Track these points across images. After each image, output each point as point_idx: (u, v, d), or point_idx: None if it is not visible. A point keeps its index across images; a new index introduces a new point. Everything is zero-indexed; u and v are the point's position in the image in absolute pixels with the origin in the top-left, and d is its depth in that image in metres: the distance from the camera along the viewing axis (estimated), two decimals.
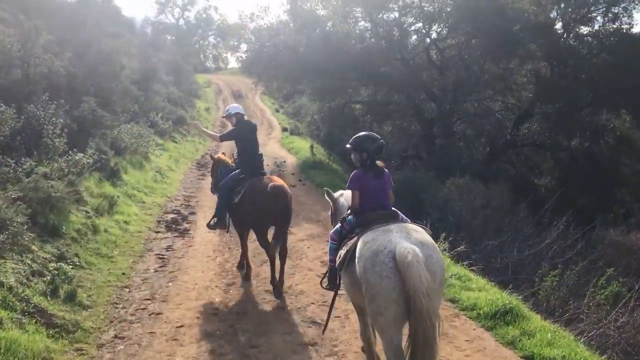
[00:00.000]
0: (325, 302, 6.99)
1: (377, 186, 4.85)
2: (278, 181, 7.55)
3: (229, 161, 8.59)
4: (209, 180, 13.20)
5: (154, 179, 15.37)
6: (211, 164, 9.20)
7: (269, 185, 7.29)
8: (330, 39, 20.18)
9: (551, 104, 19.88)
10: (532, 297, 8.77)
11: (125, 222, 10.95)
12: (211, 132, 10.01)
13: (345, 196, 5.55)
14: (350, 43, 20.42)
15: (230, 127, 8.98)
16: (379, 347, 5.01)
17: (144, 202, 13.02)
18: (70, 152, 11.05)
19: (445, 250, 9.46)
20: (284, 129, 30.00)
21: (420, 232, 4.34)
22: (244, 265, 8.36)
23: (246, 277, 8.19)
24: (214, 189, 8.74)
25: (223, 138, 8.49)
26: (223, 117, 9.49)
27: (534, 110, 21.47)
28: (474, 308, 7.03)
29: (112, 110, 16.53)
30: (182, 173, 18.17)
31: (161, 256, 9.36)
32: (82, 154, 10.90)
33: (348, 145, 5.03)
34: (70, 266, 7.74)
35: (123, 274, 8.29)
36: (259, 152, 8.21)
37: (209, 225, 8.37)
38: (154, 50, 32.94)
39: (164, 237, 10.68)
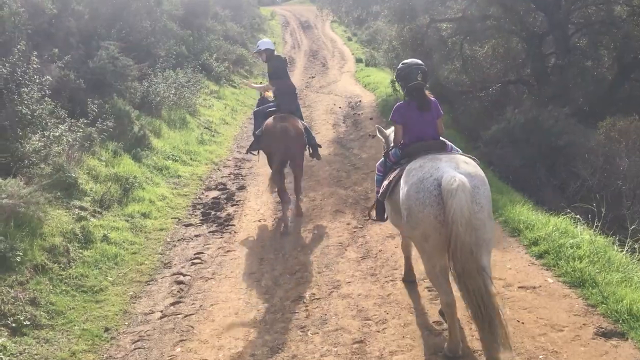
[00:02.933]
0: None
1: (422, 119, 4.54)
2: (290, 123, 7.49)
3: (269, 94, 8.48)
4: None
5: (200, 139, 12.03)
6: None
7: (278, 125, 7.40)
8: None
9: None
10: None
11: (143, 214, 7.70)
12: (261, 85, 9.51)
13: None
14: None
15: None
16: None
17: (179, 175, 9.72)
18: (67, 121, 7.83)
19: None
20: (358, 60, 25.73)
21: (470, 164, 4.07)
22: (283, 198, 7.62)
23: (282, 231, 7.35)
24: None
25: (272, 84, 8.26)
26: (254, 53, 9.29)
27: None
28: None
29: (144, 56, 13.15)
30: (239, 126, 14.76)
31: (180, 280, 6.04)
32: (68, 125, 7.59)
33: (394, 77, 5.08)
34: (13, 336, 4.56)
35: (106, 330, 5.02)
36: (292, 87, 8.22)
37: (247, 151, 8.59)
38: None
39: (195, 236, 7.36)
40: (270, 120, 7.58)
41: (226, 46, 21.42)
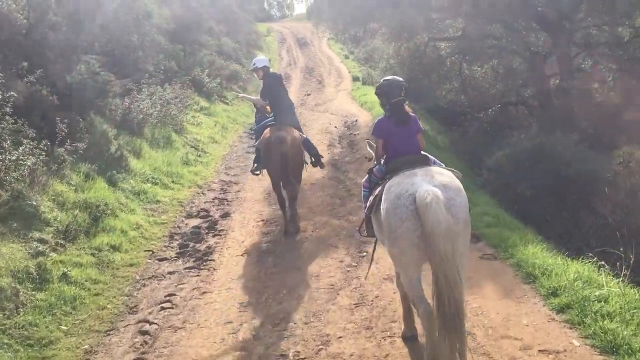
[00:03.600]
0: None
1: (402, 133, 4.61)
2: (287, 132, 7.52)
3: (268, 109, 8.46)
4: None
5: (184, 159, 11.24)
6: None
7: (274, 135, 7.45)
8: None
9: None
10: None
11: (112, 247, 6.86)
12: (253, 97, 9.48)
13: None
14: None
15: None
16: None
17: (157, 201, 8.90)
18: (28, 142, 7.02)
19: None
20: (355, 78, 25.06)
21: (445, 175, 4.15)
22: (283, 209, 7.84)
23: (285, 232, 7.63)
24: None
25: (263, 99, 8.41)
26: (250, 70, 9.16)
27: None
28: None
29: (130, 71, 12.41)
30: (228, 145, 13.98)
31: (145, 329, 5.19)
32: (29, 146, 6.77)
33: (376, 91, 4.89)
34: None
35: None
36: (288, 102, 8.27)
37: (252, 171, 8.45)
38: None
39: (169, 273, 6.52)
40: (267, 131, 7.70)
41: (219, 61, 20.73)
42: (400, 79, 4.91)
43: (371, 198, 4.65)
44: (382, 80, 4.90)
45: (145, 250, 7.14)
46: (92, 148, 8.73)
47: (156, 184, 9.46)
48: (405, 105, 4.71)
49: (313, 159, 8.20)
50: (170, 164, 10.54)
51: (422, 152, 4.66)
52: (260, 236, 7.69)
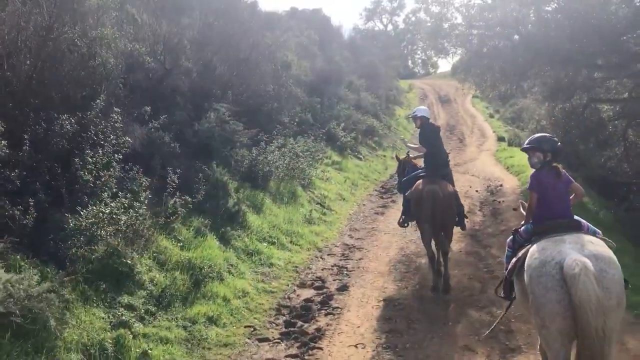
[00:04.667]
0: None
1: (557, 188, 4.44)
2: (440, 186, 7.15)
3: (416, 162, 8.43)
4: (391, 212, 11.32)
5: (307, 217, 10.28)
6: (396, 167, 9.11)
7: (426, 188, 7.13)
8: (574, 7, 13.12)
9: None
10: None
11: (209, 319, 5.90)
12: (416, 145, 8.53)
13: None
14: (610, 9, 13.06)
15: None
16: None
17: (271, 264, 7.92)
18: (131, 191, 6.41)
19: None
20: (500, 139, 23.09)
21: (596, 244, 3.89)
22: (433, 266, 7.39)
23: (433, 288, 7.22)
24: (399, 187, 8.66)
25: (423, 146, 7.95)
26: (409, 117, 9.58)
27: None
28: None
29: (264, 122, 11.90)
30: (357, 204, 12.87)
31: None
32: (128, 198, 6.09)
33: (526, 145, 4.68)
34: None
35: None
36: (444, 154, 8.04)
37: (399, 223, 8.33)
38: (350, 52, 28.39)
39: None
40: (419, 182, 7.42)
41: (356, 116, 20.02)
42: (554, 136, 4.79)
43: (514, 260, 4.44)
44: (531, 137, 4.77)
45: (245, 326, 6.08)
46: (208, 201, 8.06)
47: (273, 243, 8.53)
48: (555, 163, 4.55)
49: (457, 218, 7.63)
50: (291, 221, 9.61)
51: (575, 217, 4.42)
52: (381, 322, 6.31)
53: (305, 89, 15.94)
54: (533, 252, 4.00)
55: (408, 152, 8.99)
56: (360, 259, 8.79)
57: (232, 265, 7.28)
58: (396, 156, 9.35)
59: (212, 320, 5.90)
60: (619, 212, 14.55)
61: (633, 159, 18.20)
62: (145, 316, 5.45)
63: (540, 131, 20.74)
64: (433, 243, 7.34)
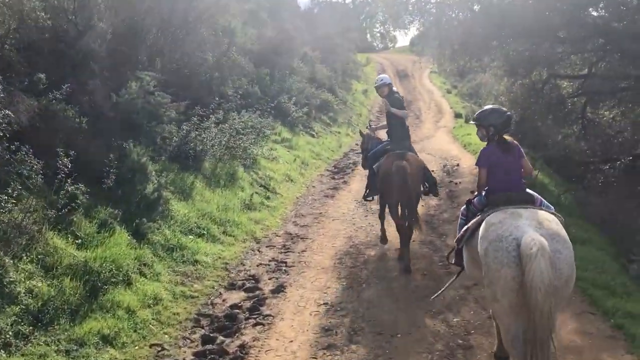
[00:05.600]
0: None
1: (507, 162, 4.42)
2: (409, 160, 6.98)
3: (379, 136, 8.34)
4: (342, 195, 10.82)
5: (247, 202, 9.10)
6: (360, 142, 8.90)
7: (394, 163, 6.88)
8: None
9: None
10: None
11: (103, 338, 4.69)
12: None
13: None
14: None
15: None
16: None
17: (195, 261, 6.72)
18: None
19: None
20: (457, 115, 22.26)
21: (552, 222, 3.85)
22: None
23: (382, 240, 7.74)
24: (364, 163, 8.37)
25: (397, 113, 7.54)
26: (375, 86, 8.05)
27: None
28: None
29: (202, 94, 10.57)
30: (305, 185, 11.75)
31: None
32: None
33: (472, 121, 4.75)
34: None
35: None
36: (407, 126, 7.75)
37: (364, 197, 8.26)
38: (306, 23, 26.86)
39: None
40: (388, 156, 7.20)
41: (310, 89, 18.75)
42: (504, 108, 4.72)
43: (465, 228, 4.46)
44: (480, 110, 4.74)
45: (152, 345, 4.91)
46: (122, 186, 6.78)
47: (201, 235, 7.33)
48: (506, 135, 4.56)
49: (427, 186, 7.54)
50: (226, 208, 8.41)
51: (528, 190, 4.42)
52: (318, 335, 5.25)
53: (253, 59, 14.54)
54: (489, 223, 3.96)
55: (369, 125, 8.83)
56: (303, 251, 7.70)
57: (145, 265, 6.07)
58: (360, 131, 8.98)
59: (107, 340, 4.70)
60: (579, 193, 13.92)
61: (590, 138, 17.67)
62: (14, 341, 4.22)
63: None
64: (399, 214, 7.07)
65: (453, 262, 4.95)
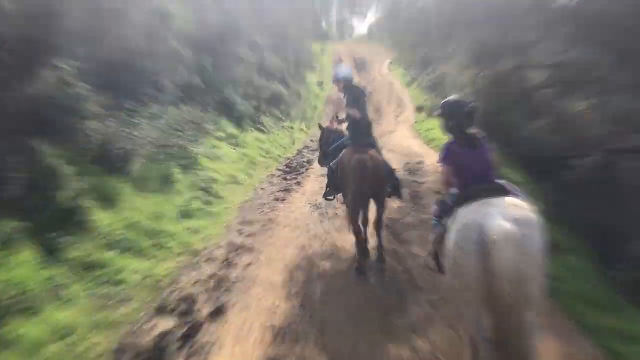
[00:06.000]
0: None
1: (475, 155, 4.42)
2: (369, 155, 6.69)
3: (341, 129, 7.97)
4: (294, 198, 10.50)
5: (184, 209, 8.54)
6: (319, 134, 8.50)
7: (354, 158, 6.66)
8: None
9: None
10: None
11: None
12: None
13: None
14: None
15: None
16: None
17: (120, 280, 6.13)
18: None
19: None
20: (419, 108, 22.17)
21: (521, 208, 3.85)
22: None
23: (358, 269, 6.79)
24: (322, 160, 8.29)
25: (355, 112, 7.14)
26: (332, 81, 7.88)
27: None
28: None
29: (134, 86, 9.92)
30: (253, 188, 11.25)
31: None
32: None
33: (435, 113, 4.73)
34: None
35: None
36: (369, 120, 7.33)
37: (324, 196, 7.87)
38: (254, 8, 26.25)
39: None
40: (347, 150, 6.99)
41: (259, 80, 18.24)
42: (467, 99, 4.62)
43: (439, 227, 4.51)
44: (447, 98, 4.70)
45: None
46: (32, 195, 6.14)
47: (128, 249, 6.73)
48: (471, 127, 4.48)
49: (390, 189, 7.29)
50: (160, 216, 7.84)
51: (498, 181, 4.37)
52: None
53: (193, 47, 13.90)
54: (459, 214, 4.02)
55: (336, 117, 8.33)
56: (248, 264, 7.21)
57: (58, 287, 5.46)
58: (319, 124, 8.71)
59: None
60: (547, 191, 13.90)
61: (561, 131, 17.80)
62: None
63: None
64: (361, 219, 7.01)
65: (433, 267, 4.91)
